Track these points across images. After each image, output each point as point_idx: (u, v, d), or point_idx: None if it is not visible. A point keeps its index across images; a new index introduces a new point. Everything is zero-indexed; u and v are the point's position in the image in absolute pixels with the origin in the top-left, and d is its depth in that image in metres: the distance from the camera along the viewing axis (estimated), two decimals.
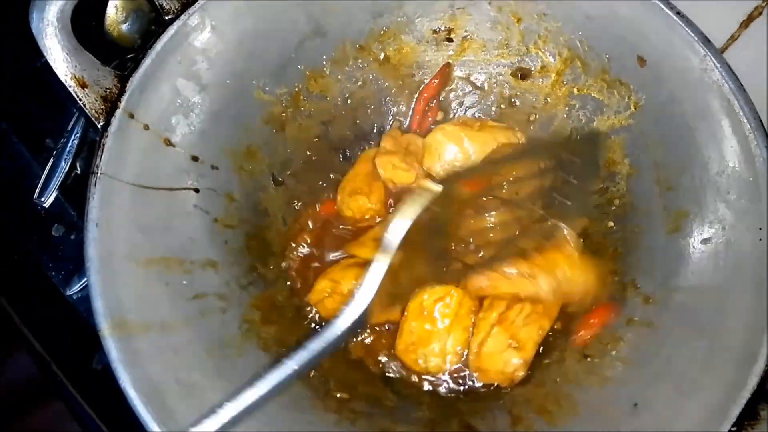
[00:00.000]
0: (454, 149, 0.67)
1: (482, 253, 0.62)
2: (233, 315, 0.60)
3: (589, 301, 0.62)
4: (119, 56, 0.73)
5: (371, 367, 0.64)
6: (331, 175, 0.71)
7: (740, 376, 0.49)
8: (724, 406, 0.49)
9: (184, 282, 0.57)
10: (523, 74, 0.70)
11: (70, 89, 0.54)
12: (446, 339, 0.61)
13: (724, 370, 0.50)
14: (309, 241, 0.69)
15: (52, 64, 0.53)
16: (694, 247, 0.57)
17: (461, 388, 0.62)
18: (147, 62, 0.56)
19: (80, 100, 0.54)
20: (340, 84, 0.70)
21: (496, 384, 0.61)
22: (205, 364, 0.54)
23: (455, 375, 0.62)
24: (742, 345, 0.50)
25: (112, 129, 0.54)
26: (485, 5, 0.67)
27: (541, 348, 0.62)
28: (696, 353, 0.53)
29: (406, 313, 0.62)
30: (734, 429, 0.48)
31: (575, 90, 0.67)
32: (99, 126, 0.55)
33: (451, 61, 0.71)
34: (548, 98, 0.69)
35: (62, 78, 0.53)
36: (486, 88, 0.72)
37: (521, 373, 0.60)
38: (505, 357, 0.60)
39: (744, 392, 0.48)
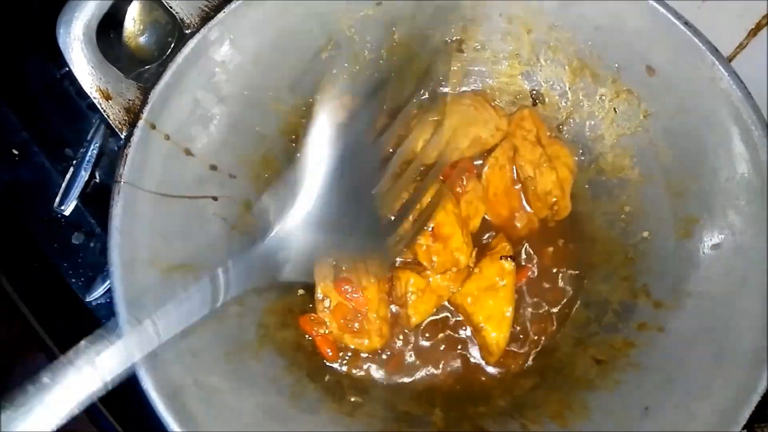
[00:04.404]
0: None
1: None
2: (250, 320, 0.61)
3: None
4: (137, 67, 0.75)
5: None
6: None
7: (750, 379, 0.50)
8: (735, 408, 0.49)
9: None
10: (533, 84, 0.71)
11: (95, 101, 0.55)
12: None
13: (735, 373, 0.51)
14: None
15: (77, 76, 0.54)
16: (704, 252, 0.58)
17: None
18: (168, 74, 0.57)
19: (104, 111, 0.55)
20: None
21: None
22: (223, 368, 0.56)
23: None
24: (751, 348, 0.51)
25: (134, 139, 0.55)
26: (496, 17, 0.68)
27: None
28: (706, 357, 0.53)
29: None
30: (744, 431, 0.48)
31: (585, 99, 0.68)
32: (122, 136, 0.56)
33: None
34: (558, 107, 0.70)
35: (87, 90, 0.54)
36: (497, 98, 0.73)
37: None
38: None
39: (754, 395, 0.49)
